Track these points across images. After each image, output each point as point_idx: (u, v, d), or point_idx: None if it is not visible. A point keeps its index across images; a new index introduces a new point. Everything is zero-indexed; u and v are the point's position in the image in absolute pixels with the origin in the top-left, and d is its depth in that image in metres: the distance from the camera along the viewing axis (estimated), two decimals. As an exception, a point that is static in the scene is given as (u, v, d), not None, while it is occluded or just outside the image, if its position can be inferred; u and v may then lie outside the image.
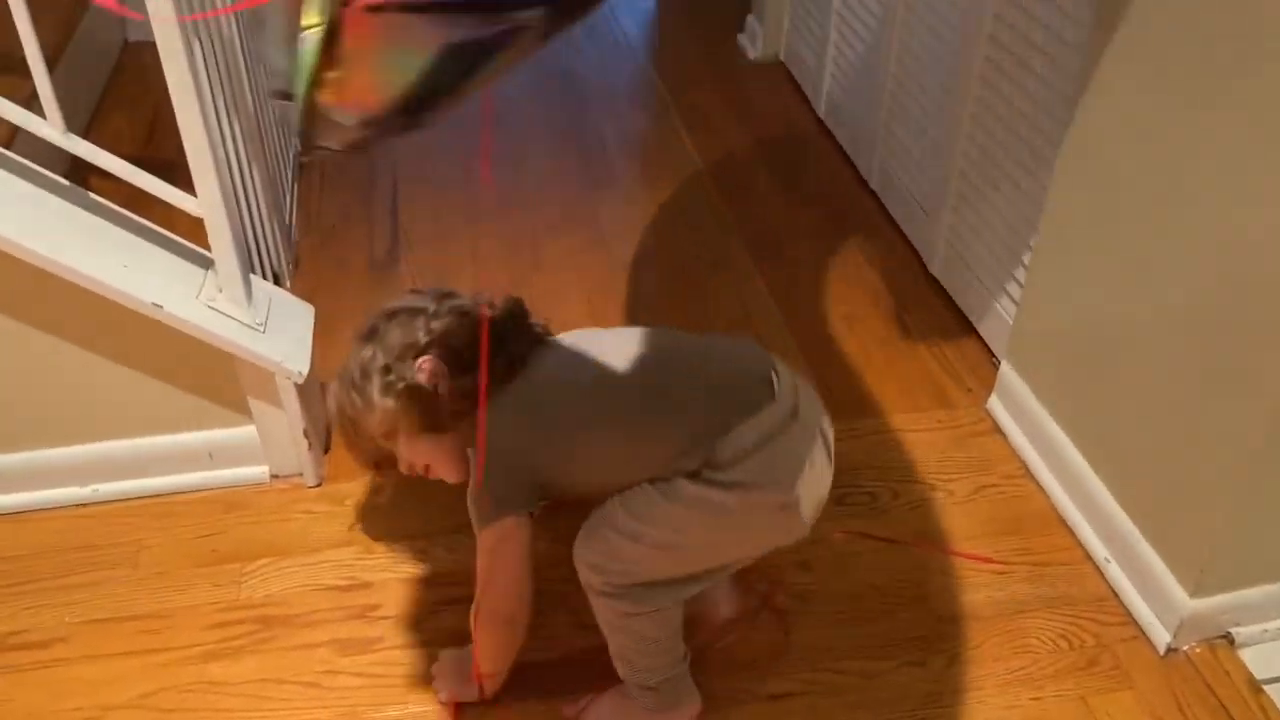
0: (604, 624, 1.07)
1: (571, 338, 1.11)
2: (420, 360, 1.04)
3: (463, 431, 1.04)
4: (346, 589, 1.30)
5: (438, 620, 1.26)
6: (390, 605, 1.28)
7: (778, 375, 1.04)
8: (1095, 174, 1.28)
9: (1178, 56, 1.11)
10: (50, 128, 1.15)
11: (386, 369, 1.05)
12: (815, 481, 1.03)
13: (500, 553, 1.05)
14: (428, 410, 1.04)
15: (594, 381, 1.06)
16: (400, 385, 1.04)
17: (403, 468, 1.12)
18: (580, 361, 1.07)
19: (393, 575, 1.32)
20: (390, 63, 0.65)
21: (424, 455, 1.10)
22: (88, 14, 1.82)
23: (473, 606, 1.09)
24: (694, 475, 0.98)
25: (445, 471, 1.11)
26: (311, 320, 1.42)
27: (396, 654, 1.23)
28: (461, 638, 1.24)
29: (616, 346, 1.07)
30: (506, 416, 1.00)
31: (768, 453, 0.99)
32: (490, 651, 1.11)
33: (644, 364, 1.05)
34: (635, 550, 1.00)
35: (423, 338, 1.05)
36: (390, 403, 1.04)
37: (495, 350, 0.96)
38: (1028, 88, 1.47)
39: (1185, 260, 1.13)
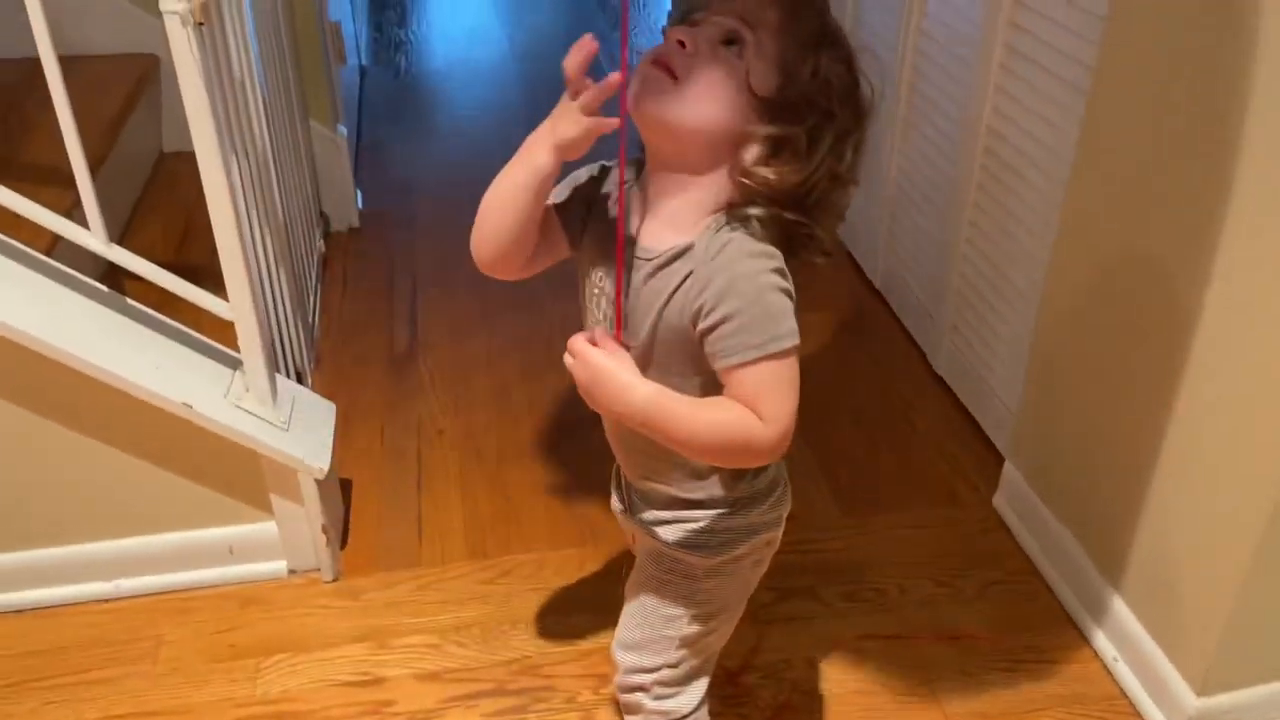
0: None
1: None
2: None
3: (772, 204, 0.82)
4: (361, 685, 1.31)
5: (449, 716, 1.27)
6: (404, 701, 1.29)
7: None
8: (1084, 279, 1.33)
9: (1161, 164, 1.17)
10: (94, 239, 1.22)
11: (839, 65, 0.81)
12: None
13: (792, 384, 0.85)
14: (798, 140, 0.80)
15: None
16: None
17: (692, 45, 0.80)
18: None
19: (406, 671, 1.33)
20: None
21: (717, 92, 0.79)
22: (128, 126, 1.92)
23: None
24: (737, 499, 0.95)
25: (704, 105, 0.80)
26: (333, 418, 1.47)
27: (409, 751, 1.24)
28: (474, 735, 1.25)
29: None
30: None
31: (783, 490, 1.00)
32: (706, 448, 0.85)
33: None
34: (697, 621, 0.99)
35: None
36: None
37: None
38: (1021, 194, 1.54)
39: (1176, 361, 1.17)
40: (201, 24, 1.13)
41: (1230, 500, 1.12)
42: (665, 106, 0.80)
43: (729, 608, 1.02)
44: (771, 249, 0.82)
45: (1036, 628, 1.40)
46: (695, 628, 1.00)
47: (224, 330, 1.36)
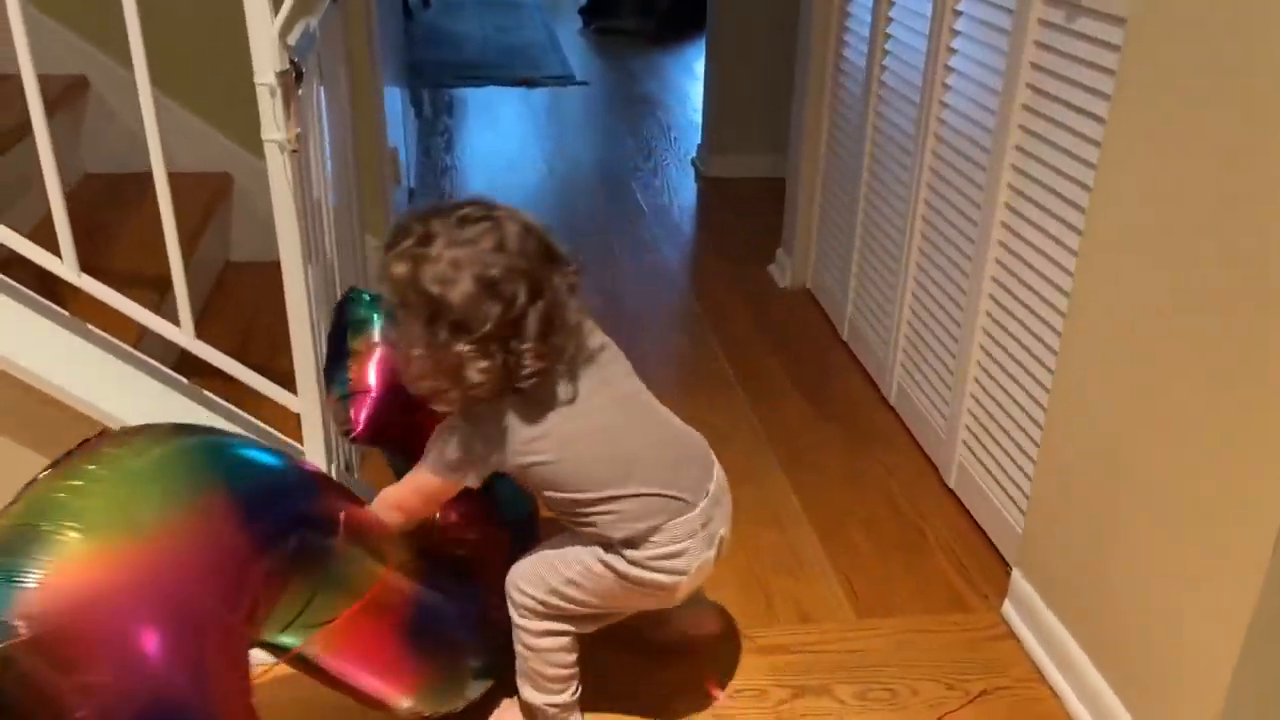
0: (520, 644, 1.32)
1: (600, 387, 1.24)
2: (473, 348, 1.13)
3: (467, 399, 1.17)
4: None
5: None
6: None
7: (710, 482, 1.31)
8: (1089, 402, 1.44)
9: (1163, 285, 1.30)
10: (184, 335, 1.36)
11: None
12: (697, 575, 1.30)
13: (427, 500, 1.27)
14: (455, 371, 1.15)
15: (608, 447, 1.24)
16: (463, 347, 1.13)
17: (395, 352, 1.23)
18: (605, 418, 1.24)
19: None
20: None
21: (420, 364, 1.16)
22: (202, 239, 2.10)
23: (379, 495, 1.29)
24: (612, 547, 1.26)
25: (416, 384, 1.19)
26: (379, 507, 1.58)
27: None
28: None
29: (630, 412, 1.29)
30: (520, 423, 1.19)
31: (679, 559, 1.27)
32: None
33: (644, 448, 1.27)
34: (568, 591, 1.28)
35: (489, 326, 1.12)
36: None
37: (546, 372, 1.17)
38: (1028, 322, 1.66)
39: (1178, 476, 1.27)
40: (295, 151, 1.29)
41: (1217, 613, 1.20)
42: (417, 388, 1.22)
43: (603, 601, 1.30)
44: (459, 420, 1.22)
45: (1043, 732, 1.45)
46: (576, 593, 1.28)
47: (279, 423, 1.48)
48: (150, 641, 0.86)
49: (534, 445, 1.20)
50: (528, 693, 1.35)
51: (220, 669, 0.92)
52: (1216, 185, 1.17)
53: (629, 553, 1.25)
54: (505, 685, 1.42)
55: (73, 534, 0.86)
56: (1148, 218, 1.29)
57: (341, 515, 1.12)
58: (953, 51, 1.90)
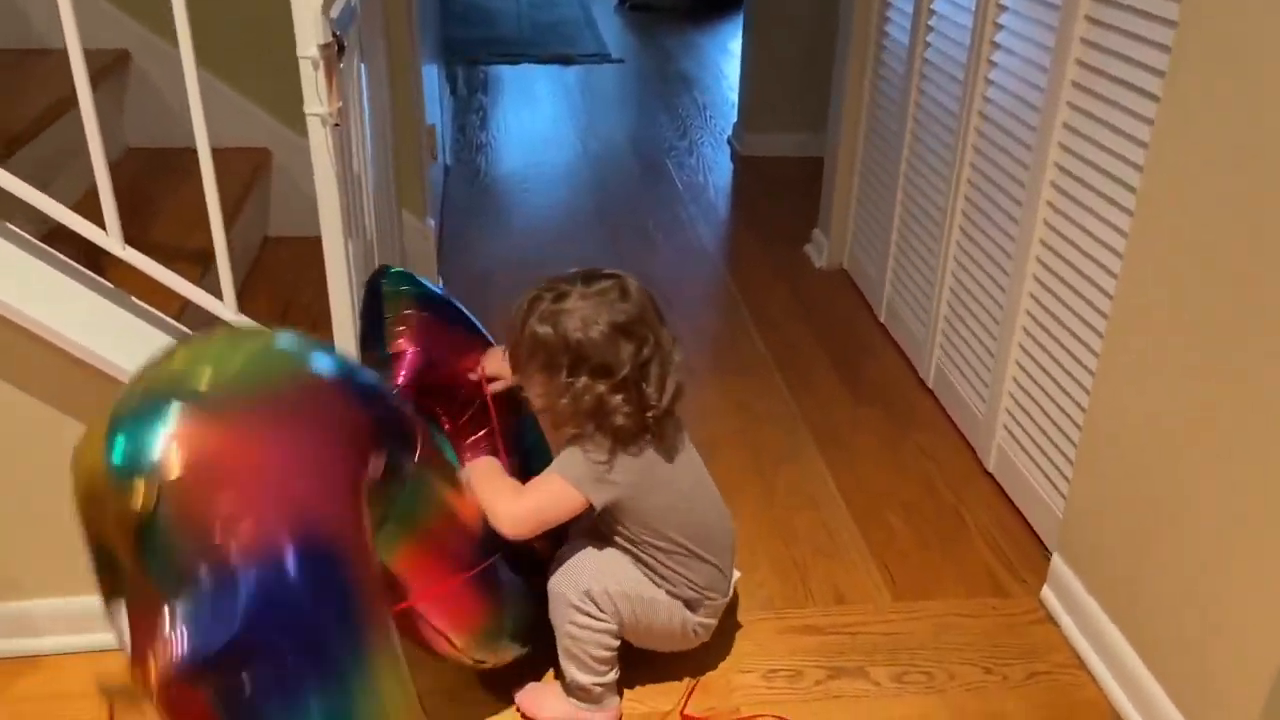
0: (574, 627, 1.34)
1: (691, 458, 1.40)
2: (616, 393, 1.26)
3: (589, 430, 1.27)
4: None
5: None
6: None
7: (733, 557, 1.46)
8: (1132, 385, 1.41)
9: (1208, 265, 1.27)
10: (227, 308, 1.37)
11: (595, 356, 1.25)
12: None
13: (552, 513, 1.30)
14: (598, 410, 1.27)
15: (693, 513, 1.38)
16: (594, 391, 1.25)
17: (525, 385, 1.33)
18: (694, 476, 1.40)
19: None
20: None
21: (566, 410, 1.27)
22: (242, 214, 2.11)
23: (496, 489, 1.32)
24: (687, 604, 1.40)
25: (563, 429, 1.31)
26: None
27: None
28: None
29: (701, 478, 1.42)
30: (657, 457, 1.31)
31: (711, 629, 1.46)
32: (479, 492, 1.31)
33: (716, 525, 1.43)
34: (637, 608, 1.36)
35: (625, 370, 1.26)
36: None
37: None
38: (1072, 303, 1.63)
39: (1223, 461, 1.25)
40: (337, 125, 1.28)
41: (1267, 600, 1.17)
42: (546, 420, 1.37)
43: (649, 637, 1.41)
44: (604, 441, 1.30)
45: (1081, 718, 1.44)
46: (625, 618, 1.36)
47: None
48: (301, 485, 0.92)
49: (666, 486, 1.32)
50: (575, 674, 1.37)
51: (361, 518, 0.96)
52: (1276, 166, 1.14)
53: (687, 612, 1.41)
54: (535, 668, 1.44)
55: (223, 382, 0.92)
56: (1201, 198, 1.26)
57: (420, 440, 1.14)
58: (999, 27, 1.87)
